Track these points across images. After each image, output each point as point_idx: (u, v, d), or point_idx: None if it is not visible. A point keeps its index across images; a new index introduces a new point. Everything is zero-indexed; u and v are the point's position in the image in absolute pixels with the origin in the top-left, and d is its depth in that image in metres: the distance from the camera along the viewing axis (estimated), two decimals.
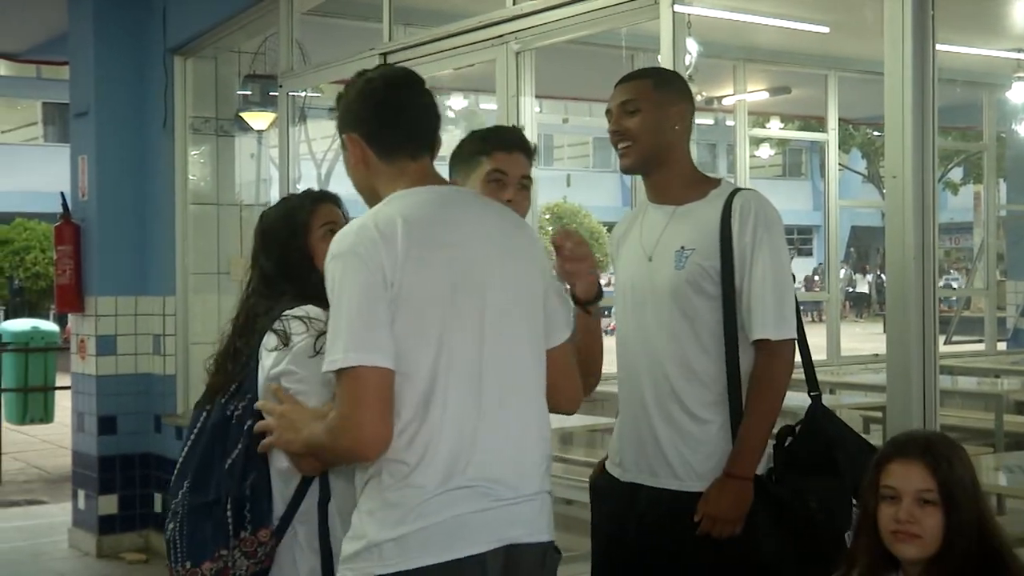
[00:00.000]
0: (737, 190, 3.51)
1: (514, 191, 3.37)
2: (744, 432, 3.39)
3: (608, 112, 3.63)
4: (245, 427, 3.11)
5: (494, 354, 2.80)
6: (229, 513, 3.05)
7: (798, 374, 3.55)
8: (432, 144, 2.96)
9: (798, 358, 3.55)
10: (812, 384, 3.53)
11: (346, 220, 3.19)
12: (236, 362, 3.21)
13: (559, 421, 4.04)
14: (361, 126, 2.91)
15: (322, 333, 2.88)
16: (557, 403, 3.00)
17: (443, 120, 3.04)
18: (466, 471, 2.73)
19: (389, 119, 2.90)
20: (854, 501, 3.26)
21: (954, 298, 16.88)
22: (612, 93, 3.63)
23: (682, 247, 3.47)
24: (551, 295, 2.99)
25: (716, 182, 3.60)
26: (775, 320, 3.39)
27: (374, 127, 2.90)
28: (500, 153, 3.39)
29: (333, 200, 3.36)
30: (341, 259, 2.72)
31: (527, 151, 3.47)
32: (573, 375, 3.07)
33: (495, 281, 2.83)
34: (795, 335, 3.45)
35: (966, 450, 2.96)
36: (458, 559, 2.69)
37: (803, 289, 32.17)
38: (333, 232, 2.93)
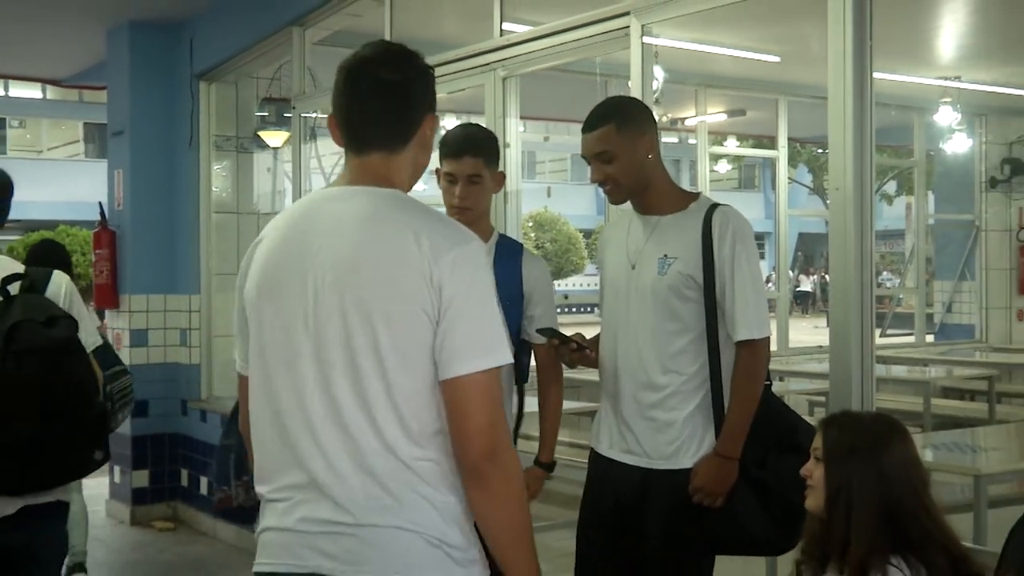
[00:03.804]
0: (715, 205, 3.48)
1: (463, 187, 3.69)
2: (731, 418, 3.39)
3: (584, 157, 3.56)
4: None
5: (297, 371, 2.29)
6: (232, 461, 3.30)
7: None
8: (384, 138, 2.39)
9: None
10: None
11: None
12: None
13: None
14: (332, 106, 2.45)
15: None
16: (456, 457, 2.28)
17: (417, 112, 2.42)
18: (275, 480, 2.34)
19: (339, 107, 2.42)
20: None
21: (890, 296, 16.91)
22: (583, 139, 3.52)
23: (664, 255, 3.45)
24: (449, 319, 2.23)
25: (695, 196, 3.57)
26: (757, 322, 3.39)
27: (334, 110, 2.44)
28: (448, 159, 3.70)
29: None
30: None
31: (475, 151, 3.73)
32: (466, 424, 2.24)
33: (318, 294, 2.27)
34: (770, 333, 3.46)
35: (899, 437, 2.87)
36: (266, 573, 2.35)
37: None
38: None
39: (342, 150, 2.47)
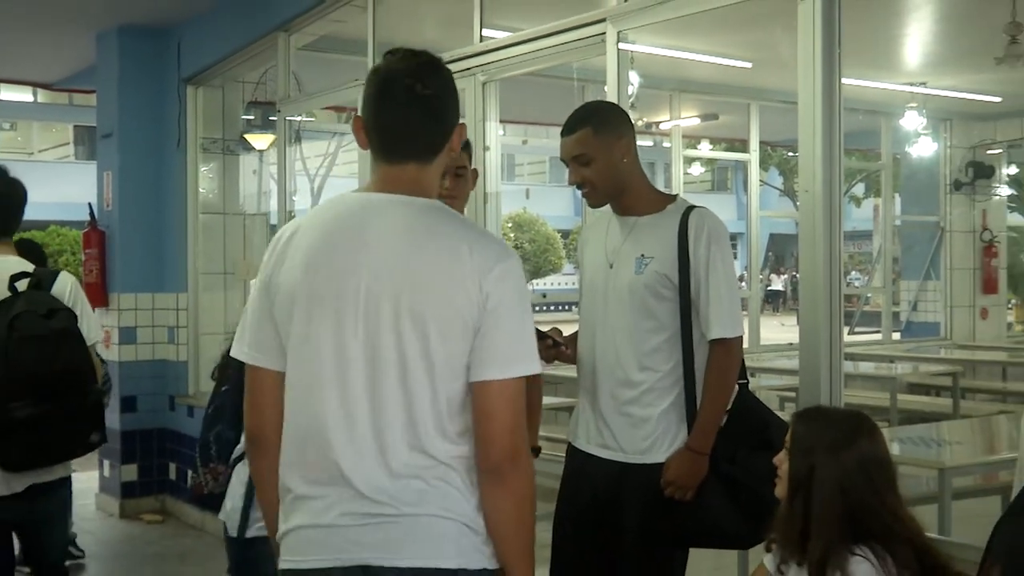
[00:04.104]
0: (691, 207, 3.48)
1: (451, 179, 3.55)
2: (703, 415, 3.39)
3: (563, 160, 3.56)
4: (221, 390, 3.51)
5: (347, 369, 2.30)
6: (198, 450, 3.55)
7: None
8: (417, 150, 2.41)
9: None
10: (741, 374, 3.52)
11: None
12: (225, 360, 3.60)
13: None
14: (363, 113, 2.45)
15: None
16: (477, 455, 2.33)
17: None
18: (313, 477, 2.32)
19: (372, 118, 2.42)
20: None
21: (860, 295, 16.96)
22: (562, 142, 3.53)
23: (642, 255, 3.45)
24: (490, 328, 2.30)
25: (672, 198, 3.57)
26: (730, 322, 3.39)
27: (366, 119, 2.44)
28: None
29: None
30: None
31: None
32: (492, 426, 2.30)
33: (369, 297, 2.29)
34: (743, 332, 3.47)
35: (866, 434, 2.85)
36: (308, 569, 2.32)
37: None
38: None
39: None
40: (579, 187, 3.55)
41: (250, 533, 3.38)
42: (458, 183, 3.73)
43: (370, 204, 2.39)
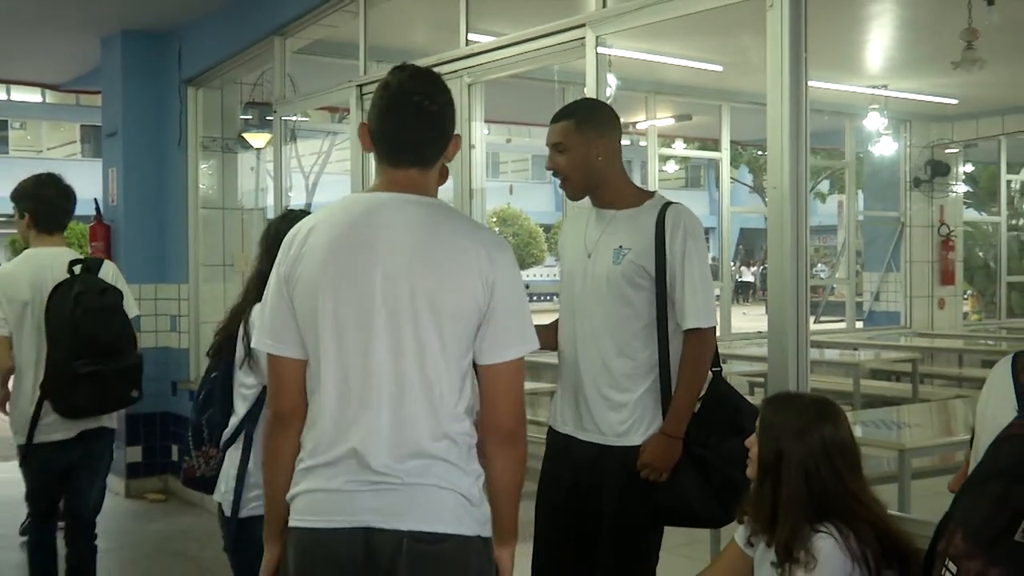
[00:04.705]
0: (669, 203, 3.48)
1: None
2: (676, 400, 3.39)
3: (547, 145, 3.57)
4: (211, 376, 3.51)
5: (368, 351, 2.40)
6: (191, 434, 3.56)
7: None
8: (421, 158, 2.55)
9: None
10: (715, 362, 3.53)
11: None
12: (222, 337, 3.58)
13: None
14: (370, 121, 2.57)
15: None
16: (488, 424, 2.47)
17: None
18: (329, 451, 2.42)
19: (382, 129, 2.54)
20: None
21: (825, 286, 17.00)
22: (548, 128, 3.56)
23: (620, 246, 3.45)
24: (498, 313, 2.44)
25: (651, 194, 3.57)
26: (704, 313, 3.40)
27: (374, 128, 2.56)
28: None
29: None
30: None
31: None
32: (506, 399, 2.47)
33: (387, 284, 2.40)
34: (716, 323, 3.48)
35: (830, 420, 2.85)
36: (316, 528, 2.42)
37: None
38: None
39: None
40: (554, 174, 3.56)
41: (244, 513, 3.37)
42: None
43: (382, 202, 2.50)
